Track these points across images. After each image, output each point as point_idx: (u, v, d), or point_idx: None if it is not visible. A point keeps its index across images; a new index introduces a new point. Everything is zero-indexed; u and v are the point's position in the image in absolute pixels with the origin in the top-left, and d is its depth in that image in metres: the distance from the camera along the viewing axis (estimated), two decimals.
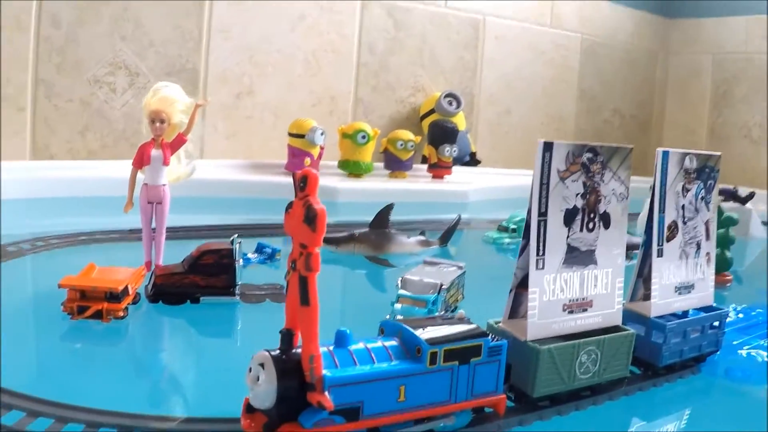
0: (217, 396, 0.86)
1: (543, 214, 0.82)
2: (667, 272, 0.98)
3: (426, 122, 2.86)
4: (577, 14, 3.43)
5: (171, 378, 0.95)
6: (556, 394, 0.83)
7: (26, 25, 2.25)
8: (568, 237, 0.84)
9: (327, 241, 1.58)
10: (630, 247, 1.81)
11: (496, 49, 3.18)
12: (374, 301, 1.36)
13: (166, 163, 1.30)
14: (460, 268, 1.25)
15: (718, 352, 1.05)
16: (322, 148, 2.42)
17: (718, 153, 1.05)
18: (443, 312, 1.17)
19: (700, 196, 1.02)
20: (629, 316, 0.98)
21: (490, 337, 0.77)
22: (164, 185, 1.31)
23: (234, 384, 0.73)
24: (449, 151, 2.56)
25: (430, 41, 3.01)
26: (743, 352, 1.09)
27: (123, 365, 0.97)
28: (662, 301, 0.97)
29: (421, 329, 0.74)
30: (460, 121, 2.86)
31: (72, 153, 2.38)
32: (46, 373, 0.92)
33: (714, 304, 1.06)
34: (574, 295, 0.86)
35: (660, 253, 0.97)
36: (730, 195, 2.18)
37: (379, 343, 0.73)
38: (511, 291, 0.85)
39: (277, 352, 0.68)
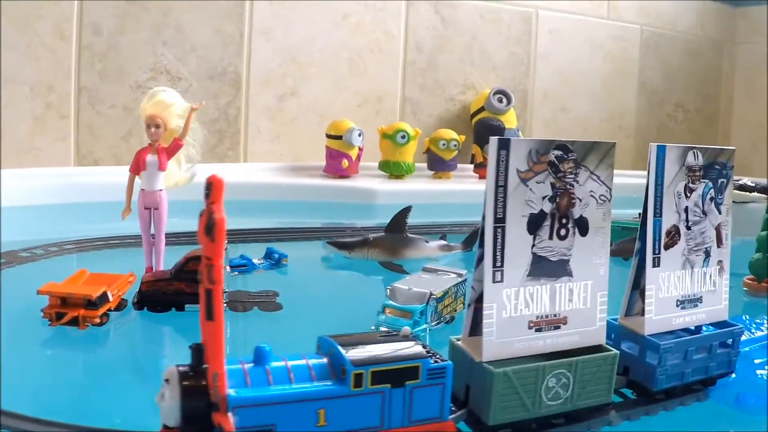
0: None
1: (500, 220, 0.73)
2: (666, 284, 0.87)
3: (475, 120, 2.76)
4: (636, 5, 3.24)
5: (130, 389, 0.91)
6: (520, 421, 0.74)
7: (68, 34, 2.30)
8: (533, 246, 0.75)
9: (340, 245, 1.53)
10: None
11: (551, 44, 3.04)
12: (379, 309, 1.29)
13: (161, 168, 1.28)
14: (459, 275, 1.17)
15: (733, 375, 0.92)
16: (360, 150, 2.37)
17: (732, 147, 0.92)
18: (435, 324, 1.09)
19: (708, 197, 0.90)
20: (624, 333, 0.88)
21: (432, 358, 0.69)
22: (161, 190, 1.29)
23: None
24: None
25: (480, 37, 2.91)
26: (763, 374, 0.96)
27: (90, 374, 0.95)
28: (660, 316, 0.86)
29: (351, 348, 0.67)
30: (510, 118, 2.74)
31: (116, 158, 2.42)
32: (9, 382, 0.90)
33: (728, 320, 0.93)
34: (542, 311, 0.76)
35: (656, 263, 0.86)
36: None
37: (303, 362, 0.66)
38: (469, 305, 0.76)
39: (186, 368, 0.63)
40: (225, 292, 1.17)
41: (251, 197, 2.25)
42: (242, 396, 0.61)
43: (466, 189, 2.41)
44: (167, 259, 1.27)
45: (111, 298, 1.09)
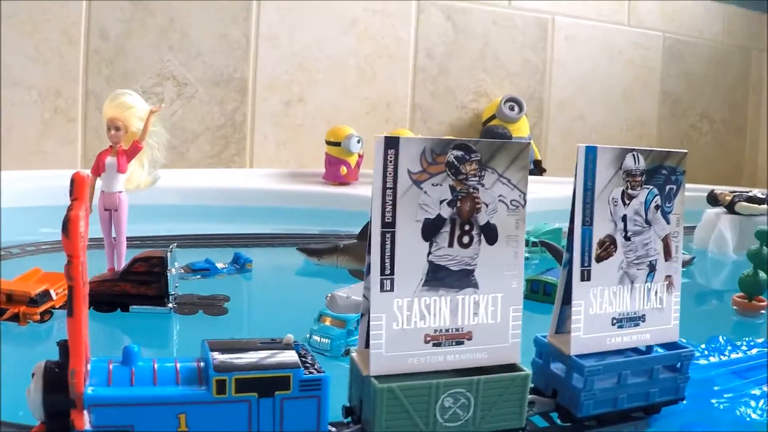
0: None
1: (389, 225, 0.67)
2: (598, 300, 0.79)
3: (482, 129, 2.69)
4: (658, 11, 3.12)
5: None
6: None
7: (76, 38, 2.32)
8: (429, 253, 0.69)
9: (309, 252, 1.49)
10: None
11: (567, 51, 2.95)
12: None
13: (120, 170, 1.27)
14: None
15: (684, 402, 0.84)
16: (360, 156, 2.32)
17: (683, 150, 0.85)
18: None
19: (653, 205, 0.83)
20: (553, 352, 0.81)
21: (308, 368, 0.64)
22: (120, 192, 1.27)
23: None
24: None
25: (493, 43, 2.84)
26: (721, 402, 0.87)
27: (21, 371, 0.93)
28: (590, 335, 0.79)
29: (223, 353, 0.63)
30: (523, 126, 2.66)
31: None
32: None
33: (681, 341, 0.85)
34: (441, 325, 0.70)
35: (585, 276, 0.78)
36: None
37: (172, 364, 0.64)
38: (362, 315, 0.71)
39: (53, 363, 0.62)
40: (172, 295, 1.14)
41: (250, 203, 2.23)
42: (99, 394, 0.59)
43: None
44: None
45: (54, 296, 1.11)
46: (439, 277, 0.69)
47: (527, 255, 1.65)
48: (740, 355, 1.04)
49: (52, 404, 0.60)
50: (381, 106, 2.73)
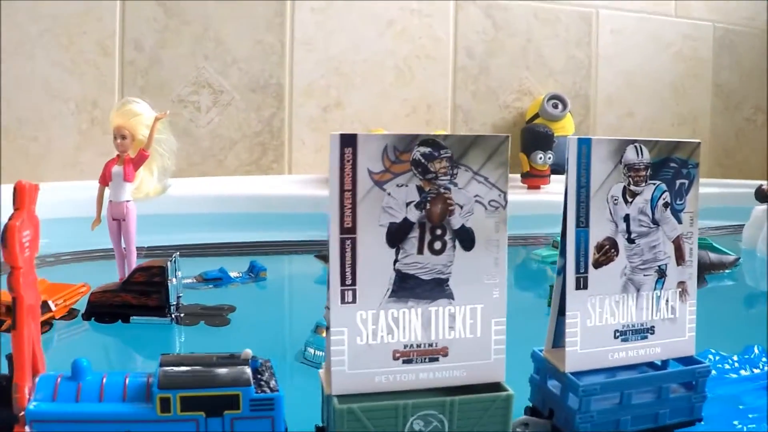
0: None
1: (348, 230, 0.61)
2: (597, 310, 0.71)
3: (523, 128, 2.59)
4: (707, 0, 2.94)
5: None
6: None
7: (111, 50, 2.35)
8: (396, 261, 0.63)
9: (326, 259, 1.43)
10: (713, 267, 1.50)
11: (613, 45, 2.82)
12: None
13: (127, 179, 1.25)
14: None
15: (702, 423, 0.75)
16: None
17: (696, 140, 0.76)
18: None
19: (661, 203, 0.74)
20: (548, 368, 0.73)
21: (261, 387, 0.60)
22: (128, 201, 1.26)
23: None
24: (543, 158, 2.29)
25: (536, 40, 2.74)
26: (742, 424, 0.77)
27: None
28: (588, 350, 0.71)
29: (174, 368, 0.60)
30: (567, 124, 2.55)
31: None
32: None
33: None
34: (412, 340, 0.64)
35: (581, 284, 0.71)
36: None
37: (124, 379, 0.61)
38: (327, 329, 0.65)
39: (2, 377, 0.61)
40: (173, 305, 1.11)
41: (284, 210, 2.20)
42: (40, 410, 0.58)
43: (511, 200, 2.24)
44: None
45: (54, 308, 1.09)
46: (407, 288, 0.63)
47: (544, 255, 1.57)
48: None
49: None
50: (421, 108, 2.67)
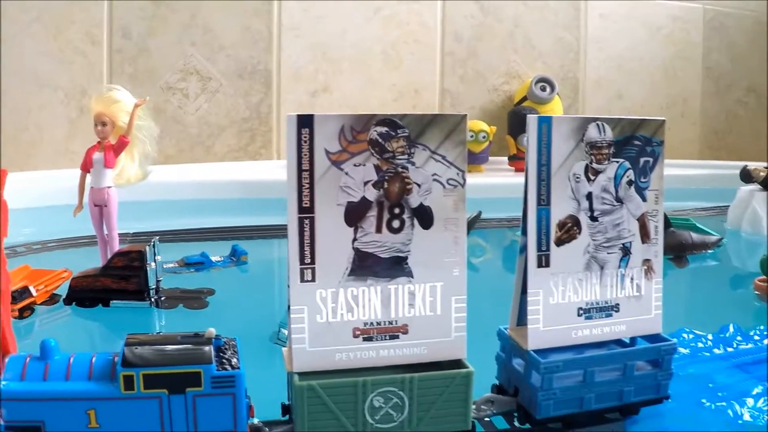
0: None
1: (306, 210, 0.62)
2: (560, 288, 0.72)
3: (510, 110, 2.59)
4: None
5: None
6: None
7: (99, 39, 2.34)
8: (354, 240, 0.63)
9: None
10: (696, 247, 1.51)
11: (602, 28, 2.81)
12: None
13: (107, 165, 1.26)
14: None
15: (668, 400, 0.76)
16: None
17: (660, 118, 0.76)
18: None
19: (625, 181, 0.75)
20: (513, 346, 0.74)
21: (221, 364, 0.61)
22: (109, 188, 1.26)
23: None
24: None
25: (523, 23, 2.73)
26: (710, 402, 0.78)
27: None
28: (550, 327, 0.72)
29: (139, 347, 0.61)
30: (556, 107, 2.55)
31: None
32: None
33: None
34: (372, 317, 0.65)
35: (543, 261, 0.71)
36: None
37: (91, 358, 0.62)
38: (288, 309, 0.66)
39: None
40: (152, 289, 1.13)
41: (272, 195, 2.20)
42: (9, 389, 0.58)
43: (498, 182, 2.26)
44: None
45: (35, 293, 1.10)
46: (366, 266, 0.64)
47: None
48: (749, 346, 0.95)
49: None
50: (409, 92, 2.67)
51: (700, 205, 2.13)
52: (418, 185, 0.64)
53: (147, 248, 1.12)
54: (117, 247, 1.27)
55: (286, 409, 0.68)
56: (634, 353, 0.74)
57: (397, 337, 0.65)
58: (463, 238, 0.66)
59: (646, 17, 2.90)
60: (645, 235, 0.76)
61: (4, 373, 0.60)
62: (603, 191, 0.74)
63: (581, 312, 0.73)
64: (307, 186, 0.61)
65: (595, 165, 0.73)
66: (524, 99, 2.58)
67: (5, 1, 2.23)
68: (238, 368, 0.61)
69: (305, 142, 0.61)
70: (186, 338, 0.63)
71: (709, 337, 0.98)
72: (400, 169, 0.64)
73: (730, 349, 0.94)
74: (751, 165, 1.74)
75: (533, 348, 0.70)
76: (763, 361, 0.88)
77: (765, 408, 0.77)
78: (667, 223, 1.49)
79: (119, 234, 1.27)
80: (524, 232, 0.72)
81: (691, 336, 0.99)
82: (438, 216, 0.65)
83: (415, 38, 2.64)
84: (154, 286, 1.13)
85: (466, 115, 0.66)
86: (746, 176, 1.71)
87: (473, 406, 0.68)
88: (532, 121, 0.70)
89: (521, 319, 0.75)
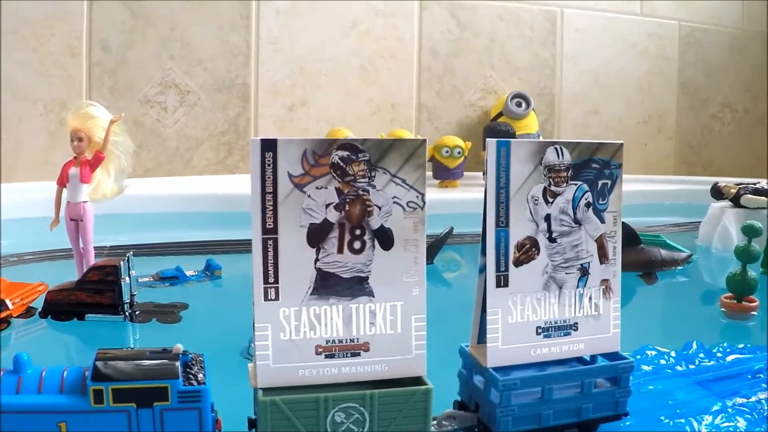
0: None
1: (270, 231, 0.64)
2: (519, 307, 0.74)
3: (485, 126, 2.63)
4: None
5: None
6: None
7: (78, 51, 2.35)
8: (317, 260, 0.65)
9: None
10: (665, 264, 1.53)
11: (578, 44, 2.86)
12: None
13: (83, 180, 1.27)
14: None
15: (627, 416, 0.78)
16: None
17: (618, 141, 0.79)
18: None
19: (583, 203, 0.77)
20: (473, 364, 0.76)
21: (188, 380, 0.63)
22: (85, 202, 1.27)
23: None
24: None
25: (500, 39, 2.77)
26: (668, 419, 0.81)
27: None
28: (510, 345, 0.74)
29: (109, 361, 0.63)
30: (531, 122, 2.59)
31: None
32: None
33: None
34: (334, 335, 0.66)
35: (501, 281, 0.73)
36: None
37: (62, 372, 0.64)
38: (253, 325, 0.67)
39: None
40: (126, 303, 1.14)
41: (249, 209, 2.22)
42: None
43: (473, 198, 2.28)
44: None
45: (11, 306, 1.11)
46: (328, 285, 0.66)
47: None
48: (712, 363, 0.97)
49: None
50: (386, 107, 2.69)
51: (673, 221, 2.17)
52: (379, 207, 0.66)
53: (121, 263, 1.13)
54: (93, 261, 1.28)
55: (252, 423, 0.69)
56: (591, 371, 0.76)
57: (358, 354, 0.67)
58: (422, 258, 0.68)
59: (622, 33, 2.95)
60: (603, 256, 0.79)
61: None
62: (561, 213, 0.76)
63: (540, 330, 0.75)
64: (271, 208, 0.63)
65: (553, 188, 0.75)
66: (500, 114, 2.62)
67: None
68: (204, 383, 0.63)
69: (269, 165, 0.63)
70: (154, 354, 0.65)
71: (672, 354, 1.00)
72: (361, 192, 0.66)
73: (692, 366, 0.97)
74: (722, 182, 1.77)
75: (492, 366, 0.72)
76: (725, 377, 0.91)
77: (723, 425, 0.79)
78: (637, 239, 1.52)
79: (96, 247, 1.28)
80: (483, 253, 0.74)
81: (654, 353, 1.01)
82: (398, 237, 0.67)
83: (392, 53, 2.67)
84: (128, 300, 1.14)
85: (425, 140, 0.68)
86: (717, 193, 1.75)
87: (434, 422, 0.70)
88: (490, 144, 0.72)
89: (481, 337, 0.77)
